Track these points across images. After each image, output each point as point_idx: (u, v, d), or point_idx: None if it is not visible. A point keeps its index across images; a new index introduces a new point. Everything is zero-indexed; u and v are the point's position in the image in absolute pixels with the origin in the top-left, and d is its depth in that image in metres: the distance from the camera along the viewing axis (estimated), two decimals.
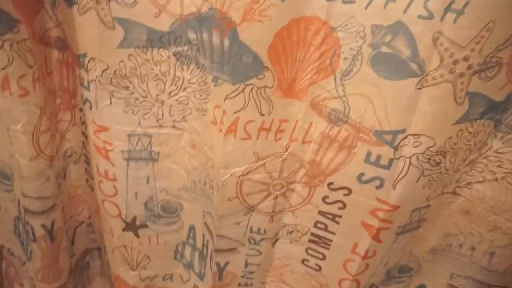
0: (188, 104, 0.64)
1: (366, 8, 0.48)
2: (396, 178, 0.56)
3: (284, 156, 0.61)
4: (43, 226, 0.71)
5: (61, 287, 0.83)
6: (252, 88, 0.54)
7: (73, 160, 0.75)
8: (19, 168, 0.64)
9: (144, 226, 0.78)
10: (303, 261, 0.72)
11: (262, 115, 0.56)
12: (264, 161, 0.61)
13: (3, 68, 0.55)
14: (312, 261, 0.71)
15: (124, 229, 0.77)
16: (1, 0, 0.50)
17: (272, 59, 0.52)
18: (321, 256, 0.69)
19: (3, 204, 0.77)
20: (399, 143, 0.54)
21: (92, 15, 0.56)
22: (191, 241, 0.81)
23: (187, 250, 0.83)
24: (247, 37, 0.50)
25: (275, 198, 0.65)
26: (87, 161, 0.74)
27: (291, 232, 0.70)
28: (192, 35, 0.57)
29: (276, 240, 0.72)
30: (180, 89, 0.62)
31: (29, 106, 0.59)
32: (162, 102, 0.64)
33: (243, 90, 0.54)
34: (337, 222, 0.65)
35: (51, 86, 0.63)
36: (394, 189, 0.57)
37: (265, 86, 0.54)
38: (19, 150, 0.62)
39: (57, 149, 0.69)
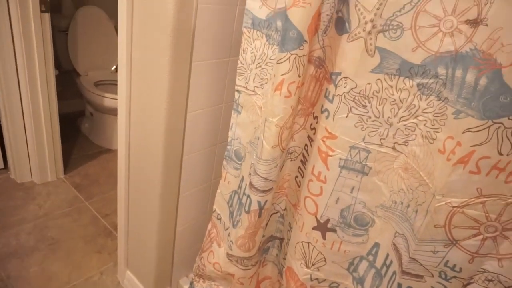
0: (414, 130, 0.70)
1: None
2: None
3: (510, 200, 0.60)
4: (259, 202, 0.86)
5: (250, 258, 0.98)
6: (499, 127, 0.56)
7: (292, 157, 0.89)
8: (261, 152, 0.81)
9: (333, 230, 0.86)
10: None
11: (500, 154, 0.58)
12: (486, 199, 0.62)
13: (283, 74, 0.72)
14: None
15: (314, 228, 0.87)
16: (303, 25, 0.67)
17: None
18: None
19: (229, 178, 0.96)
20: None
21: (359, 43, 0.68)
22: (370, 257, 0.85)
23: (363, 265, 0.87)
24: (511, 79, 0.54)
25: (484, 239, 0.65)
26: (303, 162, 0.88)
27: (490, 281, 0.68)
28: (441, 71, 0.63)
29: (469, 283, 0.70)
30: (412, 115, 0.69)
31: (287, 106, 0.75)
32: (391, 124, 0.72)
33: (489, 127, 0.57)
34: None
35: (300, 95, 0.79)
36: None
37: None
38: (267, 137, 0.79)
39: (287, 144, 0.84)
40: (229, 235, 0.99)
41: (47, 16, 1.66)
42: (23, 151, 1.88)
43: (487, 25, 0.56)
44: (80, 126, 2.59)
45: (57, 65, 2.07)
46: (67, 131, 2.42)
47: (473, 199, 0.62)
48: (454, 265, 0.69)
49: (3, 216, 1.69)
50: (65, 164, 2.08)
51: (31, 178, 1.97)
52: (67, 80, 2.50)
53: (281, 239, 1.03)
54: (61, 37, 2.37)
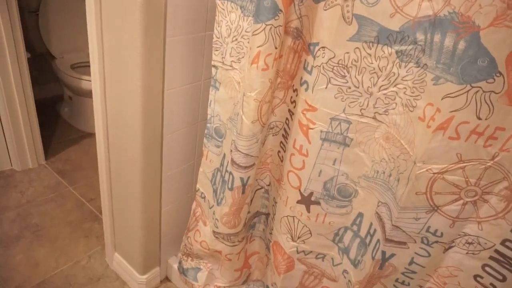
0: (394, 99, 0.69)
1: None
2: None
3: (489, 164, 0.61)
4: (241, 179, 0.86)
5: (236, 234, 0.98)
6: (477, 91, 0.56)
7: (273, 132, 0.88)
8: (240, 128, 0.79)
9: (317, 203, 0.86)
10: (475, 276, 0.70)
11: (479, 118, 0.58)
12: (465, 164, 0.62)
13: (259, 46, 0.69)
14: (487, 280, 0.69)
15: (298, 201, 0.87)
16: None
17: (508, 65, 0.53)
18: (500, 277, 0.67)
19: (211, 156, 0.95)
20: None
21: (336, 11, 0.66)
22: (354, 227, 0.86)
23: (348, 235, 0.88)
24: (489, 41, 0.53)
25: (464, 204, 0.66)
26: (285, 136, 0.86)
27: (470, 243, 0.69)
28: (420, 36, 0.62)
29: (450, 247, 0.72)
30: (391, 84, 0.68)
31: (265, 79, 0.73)
32: (371, 94, 0.71)
33: (467, 91, 0.57)
34: None
35: (278, 67, 0.76)
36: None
37: (491, 91, 0.55)
38: (246, 112, 0.77)
39: (267, 119, 0.82)
40: (214, 213, 0.99)
41: None
42: (0, 139, 1.82)
43: None
44: (60, 110, 2.52)
45: (30, 48, 1.98)
46: (47, 117, 2.34)
47: (453, 165, 0.63)
48: (436, 230, 0.70)
49: None
50: (46, 150, 2.03)
51: (11, 166, 1.92)
52: (43, 64, 2.41)
53: (267, 214, 1.03)
54: (31, 18, 2.26)
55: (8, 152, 1.87)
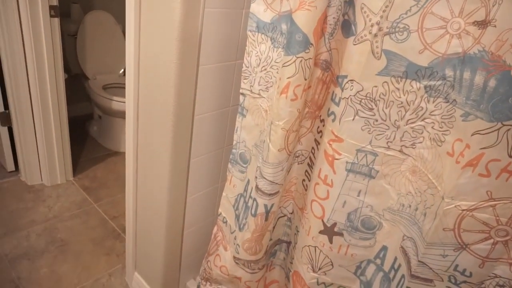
0: (422, 133, 0.69)
1: None
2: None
3: None
4: (265, 206, 0.86)
5: (256, 261, 0.97)
6: (509, 129, 0.56)
7: (298, 161, 0.89)
8: (267, 155, 0.81)
9: (340, 234, 0.85)
10: None
11: (510, 157, 0.57)
12: (496, 202, 0.61)
13: (289, 77, 0.72)
14: None
15: (321, 232, 0.87)
16: (308, 28, 0.67)
17: None
18: None
19: (234, 181, 0.96)
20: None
21: (365, 46, 0.68)
22: (378, 261, 0.84)
23: (370, 269, 0.87)
24: None
25: (495, 244, 0.64)
26: (310, 165, 0.87)
27: (501, 286, 0.66)
28: (449, 73, 0.63)
29: None
30: (419, 118, 0.69)
31: (293, 109, 0.75)
32: (398, 127, 0.71)
33: (498, 129, 0.56)
34: None
35: (306, 97, 0.78)
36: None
37: None
38: (273, 141, 0.79)
39: (294, 147, 0.83)
40: (235, 238, 0.99)
41: (56, 21, 1.68)
42: (33, 154, 1.90)
43: (495, 26, 0.55)
44: (89, 129, 2.62)
45: (67, 69, 2.10)
46: (76, 134, 2.44)
47: (482, 202, 0.61)
48: (464, 270, 0.68)
49: (14, 218, 1.71)
50: (74, 167, 2.10)
51: (41, 180, 1.99)
52: (76, 84, 2.53)
53: (288, 243, 1.03)
54: (70, 41, 2.40)
55: (40, 167, 1.95)
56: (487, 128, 0.57)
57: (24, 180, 1.98)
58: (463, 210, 0.63)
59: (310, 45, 0.70)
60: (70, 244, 1.62)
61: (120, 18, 2.41)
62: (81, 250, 1.59)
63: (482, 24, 0.56)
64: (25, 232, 1.64)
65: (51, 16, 1.65)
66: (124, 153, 1.30)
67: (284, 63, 0.74)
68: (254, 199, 0.88)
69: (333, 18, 0.74)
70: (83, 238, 1.66)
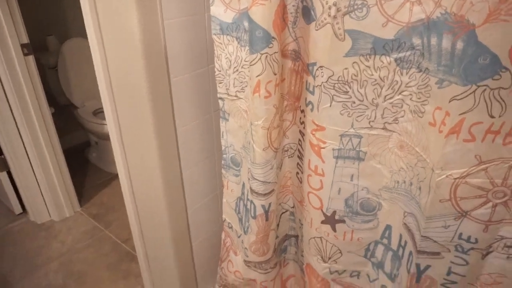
0: (402, 106, 0.67)
1: None
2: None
3: None
4: (263, 206, 0.85)
5: (267, 261, 0.97)
6: (484, 89, 0.53)
7: (288, 154, 0.87)
8: (253, 156, 0.79)
9: (342, 221, 0.84)
10: None
11: (492, 117, 0.55)
12: (487, 165, 0.59)
13: (258, 75, 0.70)
14: None
15: (322, 222, 0.86)
16: (267, 23, 0.65)
17: None
18: None
19: (231, 186, 0.95)
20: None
21: (327, 30, 0.66)
22: (385, 240, 0.83)
23: (379, 250, 0.85)
24: (487, 38, 0.51)
25: (494, 206, 0.62)
26: (300, 157, 0.86)
27: (509, 247, 0.65)
28: (416, 41, 0.60)
29: (488, 253, 0.67)
30: (396, 92, 0.67)
31: (269, 106, 0.74)
32: (377, 105, 0.69)
33: (474, 91, 0.54)
34: None
35: (282, 91, 0.77)
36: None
37: (499, 87, 0.53)
38: (256, 141, 0.77)
39: (280, 143, 0.82)
40: (242, 242, 0.99)
41: (31, 58, 1.67)
42: (37, 194, 1.91)
43: None
44: (88, 156, 2.62)
45: (53, 102, 2.10)
46: (77, 163, 2.44)
47: (473, 168, 0.60)
48: (469, 237, 0.66)
49: (30, 258, 1.72)
50: (79, 197, 2.11)
51: (50, 217, 2.00)
52: (67, 114, 2.53)
53: (296, 237, 1.02)
54: (52, 74, 2.39)
55: (46, 204, 1.96)
56: (462, 93, 0.55)
57: (33, 220, 1.99)
58: (456, 178, 0.61)
59: (273, 39, 0.68)
60: (87, 275, 1.62)
61: None
62: (98, 278, 1.60)
63: None
64: (42, 271, 1.65)
65: (25, 54, 1.64)
66: None
67: (251, 62, 0.72)
68: (251, 201, 0.87)
69: (293, 6, 0.72)
70: (99, 266, 1.67)
